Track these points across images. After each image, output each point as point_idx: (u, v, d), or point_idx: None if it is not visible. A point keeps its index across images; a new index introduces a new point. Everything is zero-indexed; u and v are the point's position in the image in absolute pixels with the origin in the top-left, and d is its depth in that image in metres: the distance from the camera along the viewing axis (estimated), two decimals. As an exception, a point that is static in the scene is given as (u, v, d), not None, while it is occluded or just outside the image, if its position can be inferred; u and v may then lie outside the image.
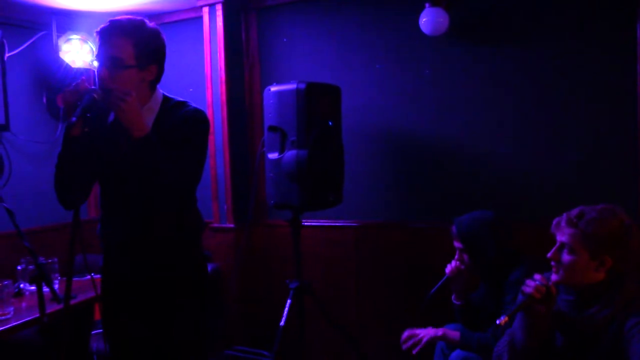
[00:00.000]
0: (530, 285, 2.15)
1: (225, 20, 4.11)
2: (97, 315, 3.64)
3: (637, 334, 2.00)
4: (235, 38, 4.23)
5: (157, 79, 2.33)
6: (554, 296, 2.15)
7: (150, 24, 2.28)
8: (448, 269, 2.97)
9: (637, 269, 2.17)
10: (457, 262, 2.95)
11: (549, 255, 2.20)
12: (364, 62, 3.91)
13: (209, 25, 4.14)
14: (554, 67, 3.39)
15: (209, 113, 4.12)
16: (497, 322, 2.15)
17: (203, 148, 2.38)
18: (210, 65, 4.15)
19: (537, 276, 2.17)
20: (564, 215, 2.21)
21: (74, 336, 3.49)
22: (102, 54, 2.19)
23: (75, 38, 4.11)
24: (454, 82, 3.65)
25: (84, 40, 4.13)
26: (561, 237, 2.19)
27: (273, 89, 3.35)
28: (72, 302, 3.15)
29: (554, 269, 2.20)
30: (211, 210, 4.18)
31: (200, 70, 4.22)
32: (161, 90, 2.39)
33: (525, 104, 3.47)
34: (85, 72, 4.09)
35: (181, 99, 2.40)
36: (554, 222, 2.24)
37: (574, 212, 2.19)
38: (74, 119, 2.03)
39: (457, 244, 2.93)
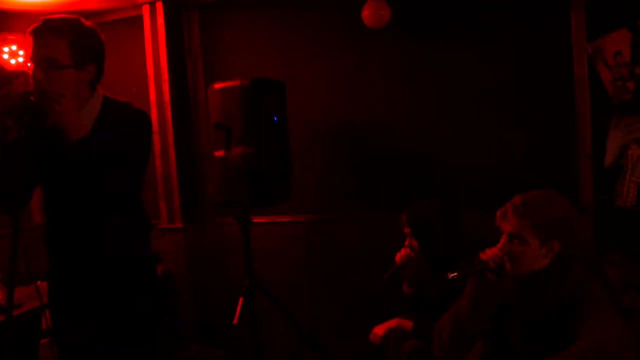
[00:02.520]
0: (487, 253, 2.18)
1: (166, 18, 4.06)
2: (45, 324, 3.55)
3: (586, 314, 2.04)
4: (177, 36, 4.18)
5: (97, 79, 2.27)
6: (506, 272, 2.18)
7: (87, 22, 2.22)
8: (398, 257, 3.01)
9: (580, 251, 2.23)
10: (407, 249, 2.98)
11: (498, 247, 2.20)
12: (307, 56, 3.91)
13: (150, 24, 4.08)
14: (493, 57, 3.46)
15: (153, 112, 4.06)
16: (448, 275, 2.18)
17: (145, 150, 2.34)
18: (153, 64, 4.09)
19: (494, 248, 2.20)
20: (508, 205, 2.22)
21: (21, 346, 3.40)
22: (36, 55, 2.13)
23: (9, 39, 3.98)
24: (397, 74, 3.69)
25: (19, 41, 4.00)
26: (509, 227, 2.20)
27: (217, 86, 3.32)
28: (18, 311, 3.07)
29: (505, 260, 2.18)
30: (159, 211, 4.12)
31: (143, 70, 4.15)
32: (102, 91, 2.34)
33: (468, 94, 3.53)
34: (20, 73, 3.96)
35: (123, 100, 2.35)
36: (499, 213, 2.25)
37: (518, 201, 2.20)
38: (9, 122, 1.97)
39: (406, 230, 2.97)
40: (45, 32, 2.12)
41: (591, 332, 1.97)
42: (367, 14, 3.52)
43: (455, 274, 2.18)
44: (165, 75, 4.05)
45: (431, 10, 3.59)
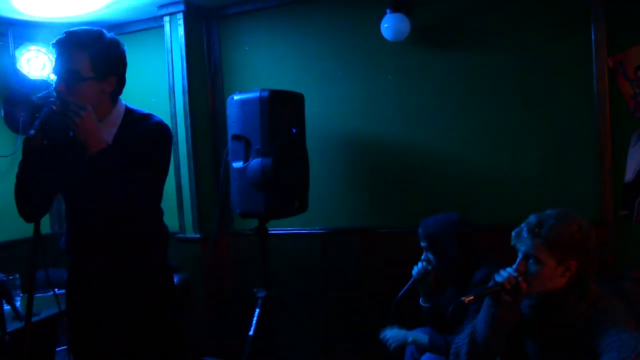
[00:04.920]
0: (503, 275, 2.16)
1: (186, 29, 4.09)
2: (62, 331, 3.56)
3: (605, 332, 2.01)
4: (197, 47, 4.21)
5: (118, 90, 2.30)
6: (522, 292, 2.15)
7: (109, 34, 2.24)
8: (414, 270, 2.99)
9: (598, 268, 2.20)
10: (423, 263, 2.97)
11: (515, 267, 2.17)
12: (326, 69, 3.92)
13: (171, 35, 4.11)
14: (514, 70, 3.45)
15: (172, 123, 4.08)
16: (462, 298, 2.15)
17: (164, 162, 2.35)
18: (173, 75, 4.12)
19: (510, 269, 2.17)
20: (523, 226, 2.20)
21: (38, 354, 3.41)
22: (59, 67, 2.15)
23: (33, 49, 4.04)
24: (416, 87, 3.68)
25: (42, 51, 4.06)
26: (524, 248, 2.17)
27: (236, 97, 3.33)
28: (36, 319, 3.08)
29: (522, 282, 2.14)
30: (177, 221, 4.14)
31: (163, 80, 4.18)
32: (124, 102, 2.36)
33: (487, 108, 3.52)
34: (44, 83, 4.01)
35: (145, 112, 2.37)
36: (514, 233, 2.22)
37: (533, 221, 2.18)
38: (32, 131, 1.99)
39: (422, 244, 2.96)
40: (68, 44, 2.15)
41: (614, 348, 1.94)
42: (386, 26, 3.53)
43: (472, 297, 2.15)
44: (185, 86, 4.08)
45: (450, 24, 3.58)
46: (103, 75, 2.19)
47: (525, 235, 2.16)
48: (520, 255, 2.18)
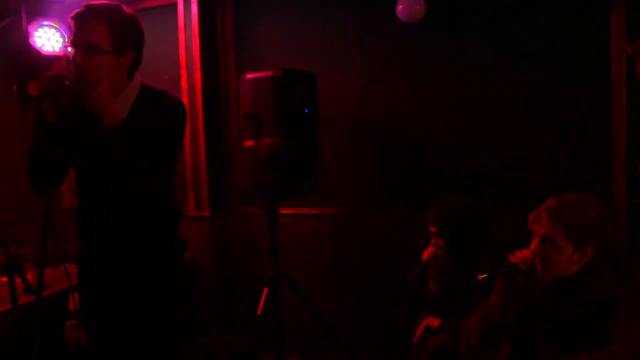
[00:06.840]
0: (518, 255, 2.15)
1: (200, 6, 4.07)
2: (72, 306, 3.59)
3: (616, 319, 2.01)
4: (210, 25, 4.19)
5: (135, 65, 2.29)
6: (537, 274, 2.14)
7: (128, 9, 2.24)
8: (424, 255, 2.99)
9: (611, 256, 2.19)
10: (433, 248, 2.97)
11: (531, 250, 2.16)
12: (340, 49, 3.90)
13: (184, 12, 4.09)
14: (530, 57, 3.41)
15: (184, 100, 4.08)
16: (478, 277, 2.14)
17: (178, 139, 2.36)
18: (185, 52, 4.11)
19: (525, 250, 2.16)
20: (543, 208, 2.18)
21: (48, 327, 3.44)
22: (77, 39, 2.15)
23: (46, 24, 4.02)
24: (430, 70, 3.66)
25: (55, 26, 4.04)
26: (542, 231, 2.15)
27: (249, 76, 3.32)
28: (46, 292, 3.11)
29: (537, 263, 2.13)
30: (187, 199, 4.15)
31: (176, 57, 4.17)
32: (140, 78, 2.36)
33: (502, 93, 3.49)
34: (56, 58, 4.00)
35: (160, 88, 2.37)
36: (532, 215, 2.21)
37: (552, 204, 2.16)
38: (44, 105, 1.99)
39: (432, 229, 2.95)
40: (87, 17, 2.14)
41: (624, 336, 1.94)
42: (401, 8, 3.50)
43: (485, 275, 2.14)
44: (197, 64, 4.07)
45: (466, 6, 3.55)
46: (121, 49, 2.19)
47: (544, 219, 2.15)
48: (537, 238, 2.17)
